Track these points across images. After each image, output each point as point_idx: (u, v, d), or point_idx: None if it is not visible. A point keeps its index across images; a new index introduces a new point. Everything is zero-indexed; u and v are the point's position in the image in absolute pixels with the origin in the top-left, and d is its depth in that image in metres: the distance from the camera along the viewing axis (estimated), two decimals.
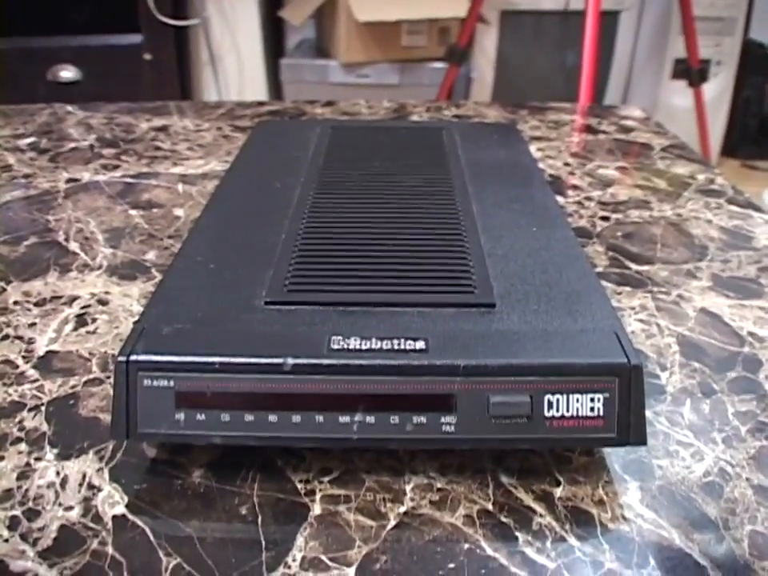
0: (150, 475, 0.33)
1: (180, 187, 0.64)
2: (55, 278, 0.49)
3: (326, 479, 0.32)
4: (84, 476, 0.32)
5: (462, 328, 0.33)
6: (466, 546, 0.29)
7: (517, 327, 0.33)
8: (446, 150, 0.56)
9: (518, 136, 0.62)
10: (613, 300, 0.46)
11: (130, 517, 0.30)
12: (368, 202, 0.45)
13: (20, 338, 0.42)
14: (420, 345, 0.31)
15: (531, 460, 0.34)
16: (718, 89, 2.20)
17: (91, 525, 0.30)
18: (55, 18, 1.74)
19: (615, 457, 0.34)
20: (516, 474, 0.33)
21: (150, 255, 0.52)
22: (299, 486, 0.32)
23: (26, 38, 1.75)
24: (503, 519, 0.31)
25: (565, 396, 0.31)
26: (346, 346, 0.31)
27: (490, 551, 0.29)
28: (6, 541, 0.29)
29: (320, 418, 0.31)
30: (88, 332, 0.43)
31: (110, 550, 0.29)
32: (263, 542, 0.29)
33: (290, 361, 0.30)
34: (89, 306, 0.46)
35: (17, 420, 0.36)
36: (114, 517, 0.30)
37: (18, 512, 0.30)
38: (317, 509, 0.31)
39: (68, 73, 1.80)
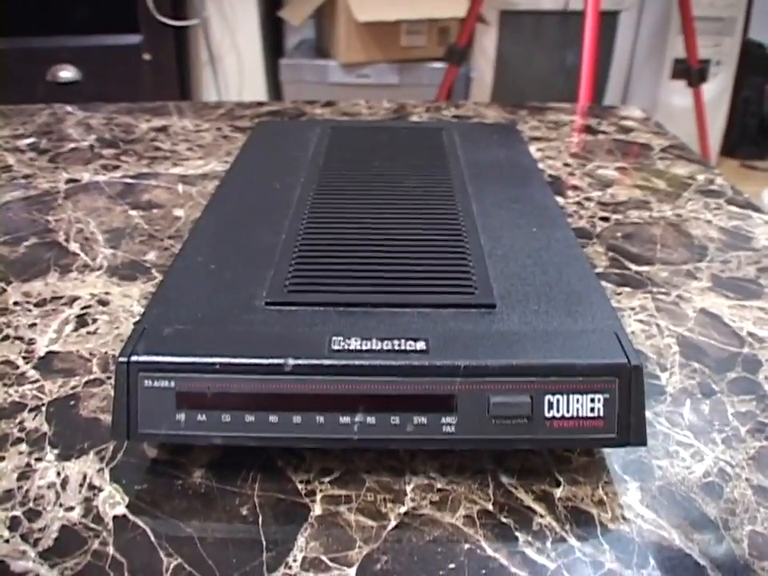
0: (150, 475, 0.33)
1: (180, 188, 0.64)
2: (55, 279, 0.49)
3: (326, 479, 0.33)
4: (85, 476, 0.32)
5: (462, 328, 0.33)
6: (467, 546, 0.29)
7: (517, 328, 0.33)
8: (446, 150, 0.56)
9: (517, 136, 0.62)
10: (613, 300, 0.46)
11: (131, 517, 0.30)
12: (368, 202, 0.46)
13: (20, 338, 0.42)
14: (420, 345, 0.31)
15: (531, 460, 0.34)
16: (718, 89, 2.20)
17: (92, 525, 0.30)
18: (55, 18, 1.74)
19: (615, 457, 0.34)
20: (516, 475, 0.33)
21: (151, 256, 0.52)
22: (300, 486, 0.32)
23: (26, 38, 1.75)
24: (503, 519, 0.31)
25: (565, 396, 0.31)
26: (346, 347, 0.31)
27: (490, 551, 0.29)
28: (7, 541, 0.29)
29: (320, 419, 0.31)
30: (88, 332, 0.43)
31: (110, 550, 0.29)
32: (264, 543, 0.29)
33: (291, 361, 0.30)
34: (89, 306, 0.46)
35: (17, 420, 0.36)
36: (115, 517, 0.30)
37: (18, 512, 0.31)
38: (317, 509, 0.31)
39: (67, 73, 1.80)
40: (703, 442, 0.35)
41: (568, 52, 2.00)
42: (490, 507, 0.31)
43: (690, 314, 0.46)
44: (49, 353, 0.41)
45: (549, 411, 0.31)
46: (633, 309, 0.46)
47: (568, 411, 0.31)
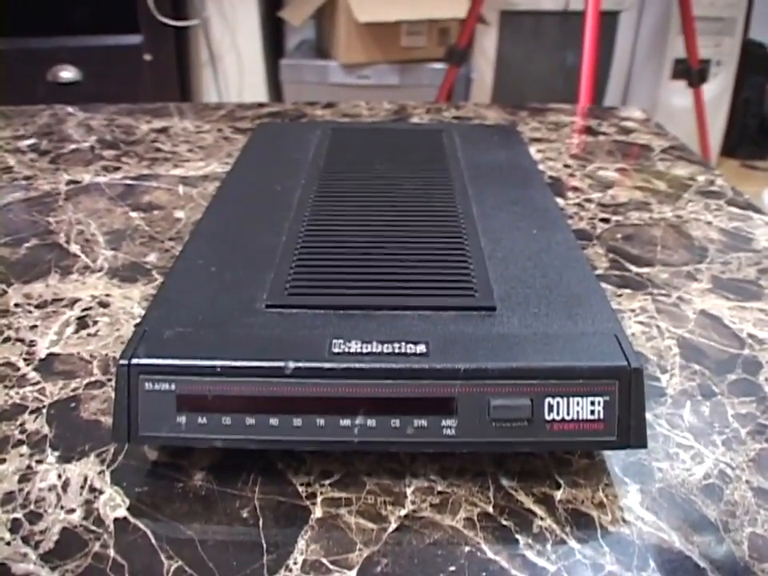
0: (151, 478, 0.33)
1: (181, 189, 0.64)
2: (56, 280, 0.49)
3: (326, 482, 0.33)
4: (85, 479, 0.33)
5: (462, 331, 0.33)
6: (467, 548, 0.29)
7: (517, 330, 0.33)
8: (446, 151, 0.56)
9: (517, 138, 0.62)
10: (613, 302, 0.46)
11: (132, 519, 0.30)
12: (368, 204, 0.46)
13: (21, 340, 0.42)
14: (421, 348, 0.31)
15: (531, 463, 0.34)
16: (718, 89, 2.20)
17: (93, 527, 0.30)
18: (55, 18, 1.74)
19: (615, 459, 0.34)
20: (516, 477, 0.33)
21: (151, 257, 0.52)
22: (300, 489, 0.32)
23: (26, 38, 1.75)
24: (504, 522, 0.31)
25: (565, 399, 0.31)
26: (346, 350, 0.31)
27: (490, 554, 0.29)
28: (8, 544, 0.29)
29: (321, 422, 0.31)
30: (89, 334, 0.43)
31: (111, 552, 0.29)
32: (264, 545, 0.29)
33: (291, 364, 0.30)
34: (90, 308, 0.46)
35: (18, 422, 0.36)
36: (116, 519, 0.30)
37: (19, 515, 0.31)
38: (318, 512, 0.31)
39: (68, 73, 1.80)
40: (703, 444, 0.35)
41: (568, 52, 2.00)
42: (491, 510, 0.31)
43: (690, 316, 0.46)
44: (49, 355, 0.41)
45: (549, 414, 0.31)
46: (633, 310, 0.46)
47: (568, 414, 0.31)
